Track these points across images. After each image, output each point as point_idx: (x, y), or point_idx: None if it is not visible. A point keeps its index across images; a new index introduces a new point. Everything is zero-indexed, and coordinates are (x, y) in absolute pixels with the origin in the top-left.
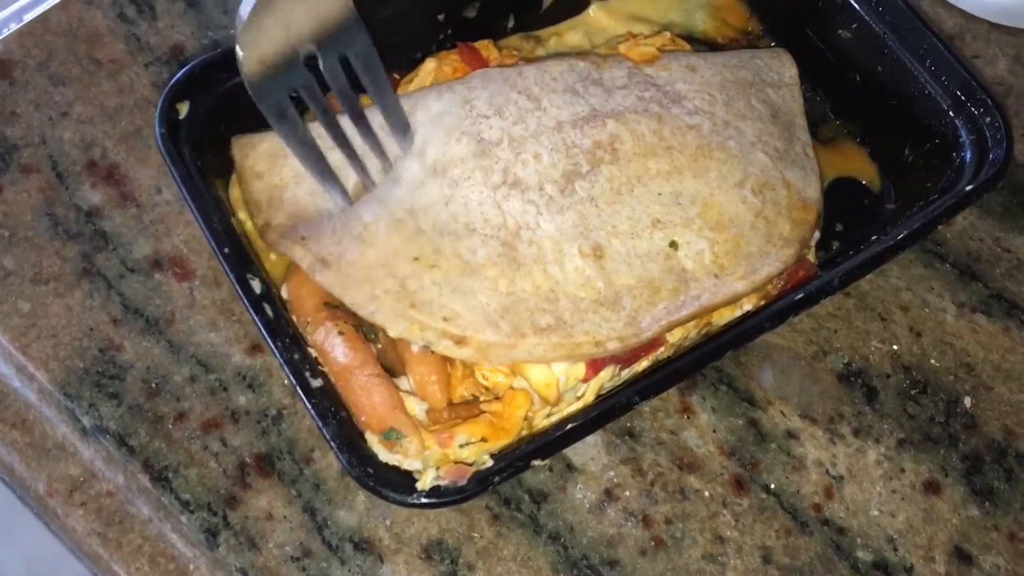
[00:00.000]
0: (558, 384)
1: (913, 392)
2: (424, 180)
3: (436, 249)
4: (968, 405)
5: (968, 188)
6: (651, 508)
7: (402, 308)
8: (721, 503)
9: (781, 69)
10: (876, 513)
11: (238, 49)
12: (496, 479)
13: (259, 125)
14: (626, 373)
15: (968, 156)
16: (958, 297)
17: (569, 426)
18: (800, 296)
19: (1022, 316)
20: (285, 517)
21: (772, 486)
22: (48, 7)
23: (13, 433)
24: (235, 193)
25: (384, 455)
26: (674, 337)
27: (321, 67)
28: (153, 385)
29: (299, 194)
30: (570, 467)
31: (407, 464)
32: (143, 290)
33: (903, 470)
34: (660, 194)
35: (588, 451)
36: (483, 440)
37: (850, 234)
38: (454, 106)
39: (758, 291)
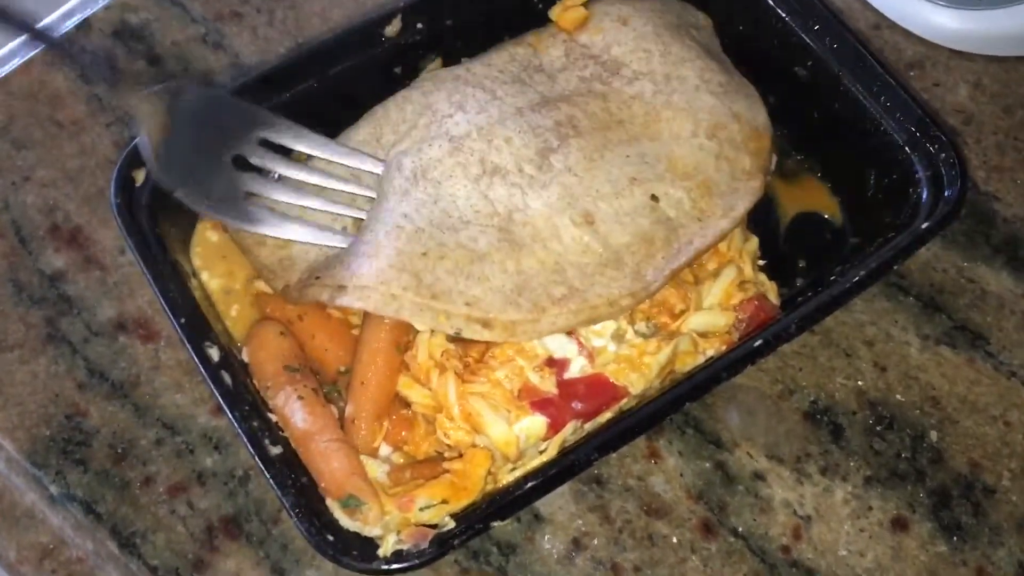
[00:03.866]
0: (518, 442)
1: (879, 428)
2: (408, 188)
3: (440, 243)
4: (934, 439)
5: (924, 226)
6: (620, 556)
7: (423, 301)
8: (690, 548)
9: (696, 13)
10: (845, 553)
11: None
12: (456, 542)
13: None
14: (590, 425)
15: (924, 192)
16: (922, 330)
17: (529, 484)
18: (759, 343)
19: (986, 347)
20: None
21: (740, 529)
22: (10, 70)
23: None
24: (198, 250)
25: (345, 521)
26: (638, 388)
27: (253, 161)
28: (119, 450)
29: (307, 249)
30: (538, 517)
31: (367, 530)
32: (108, 353)
33: (871, 508)
34: (628, 156)
35: (556, 500)
36: (444, 502)
37: (813, 270)
38: (416, 116)
39: (737, 224)
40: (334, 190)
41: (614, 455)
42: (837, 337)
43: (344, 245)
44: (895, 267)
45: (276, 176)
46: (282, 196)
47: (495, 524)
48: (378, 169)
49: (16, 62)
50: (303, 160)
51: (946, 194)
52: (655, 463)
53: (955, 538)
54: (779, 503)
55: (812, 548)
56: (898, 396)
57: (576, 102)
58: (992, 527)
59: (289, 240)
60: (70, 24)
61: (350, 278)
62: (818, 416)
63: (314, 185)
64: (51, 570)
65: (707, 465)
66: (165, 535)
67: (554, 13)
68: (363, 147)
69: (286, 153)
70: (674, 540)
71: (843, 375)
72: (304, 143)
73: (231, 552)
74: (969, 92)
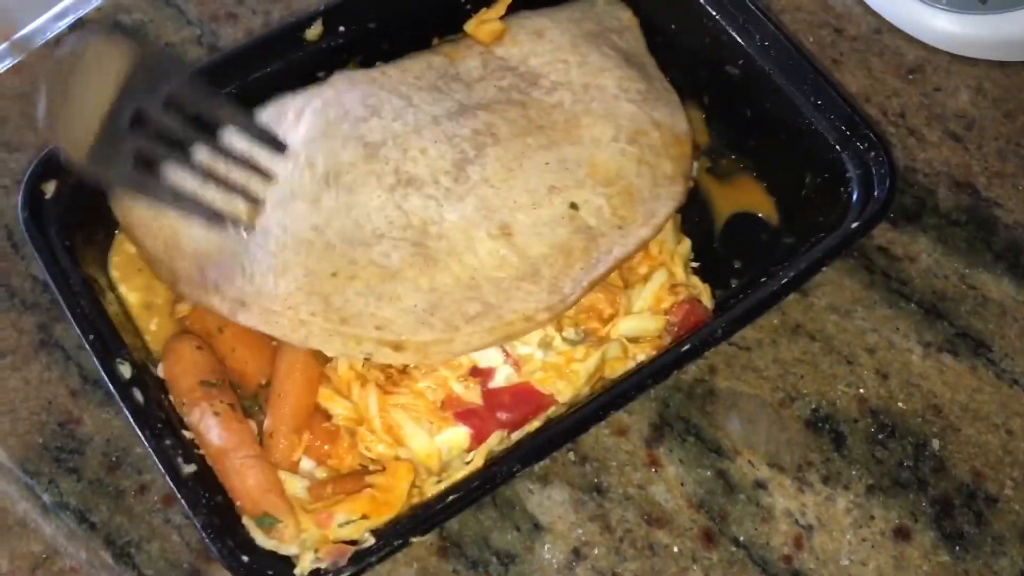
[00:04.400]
0: (440, 455)
1: (881, 436)
2: (319, 193)
3: (351, 260)
4: (936, 448)
5: (853, 226)
6: (620, 566)
7: (333, 326)
8: (691, 558)
9: (617, 14)
10: (847, 562)
11: (59, 150)
12: (373, 559)
13: None
14: (517, 434)
15: (855, 192)
16: (924, 337)
17: (450, 498)
18: (686, 348)
19: (988, 354)
20: None
21: (741, 538)
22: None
23: None
24: (116, 261)
25: (262, 540)
26: (565, 396)
27: (150, 117)
28: (113, 458)
29: (195, 235)
30: (537, 526)
31: (284, 549)
32: None
33: (873, 517)
34: (547, 163)
35: (555, 509)
36: (364, 517)
37: (748, 270)
38: (329, 111)
39: (659, 231)
40: (236, 166)
41: (614, 463)
42: (839, 344)
43: (239, 236)
44: (824, 268)
45: (179, 145)
46: (180, 169)
47: (414, 540)
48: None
49: (7, 63)
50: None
51: (875, 194)
52: (656, 472)
53: (957, 547)
54: (780, 512)
55: (814, 558)
56: (900, 404)
57: (495, 109)
58: (995, 536)
59: (177, 224)
60: (63, 24)
61: (255, 295)
62: (819, 424)
63: (217, 162)
64: None
65: (708, 474)
66: (160, 544)
67: (470, 26)
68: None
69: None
70: (675, 549)
71: (845, 383)
72: (215, 109)
73: None
74: (970, 97)
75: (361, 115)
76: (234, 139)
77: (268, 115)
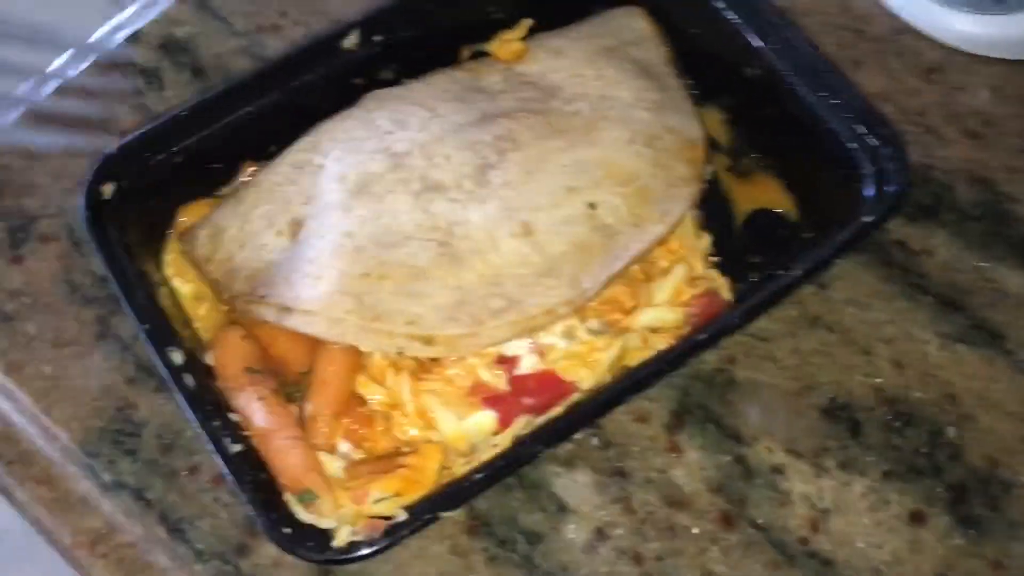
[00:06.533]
0: (468, 437)
1: (897, 424)
2: (351, 203)
3: (381, 261)
4: (952, 435)
5: (866, 220)
6: (642, 546)
7: (366, 323)
8: (710, 539)
9: (634, 25)
10: (862, 545)
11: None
12: (406, 532)
13: (184, 195)
14: (542, 419)
15: (870, 187)
16: (941, 328)
17: (476, 477)
18: (702, 337)
19: (1004, 345)
20: (292, 563)
21: (759, 521)
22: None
23: (40, 489)
24: (169, 258)
25: (303, 515)
26: (588, 384)
27: None
28: (167, 441)
29: (247, 257)
30: (562, 508)
31: (323, 523)
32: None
33: (888, 502)
34: (565, 165)
35: (580, 492)
36: (397, 495)
37: (768, 265)
38: (359, 130)
39: (673, 228)
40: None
41: (636, 448)
42: (856, 336)
43: (283, 246)
44: (838, 260)
45: None
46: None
47: (444, 515)
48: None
49: (71, 73)
50: None
51: (889, 189)
52: (676, 457)
53: (972, 532)
54: (798, 496)
55: (830, 540)
56: (916, 393)
57: (516, 117)
58: (1009, 521)
59: (231, 250)
60: (120, 37)
61: (295, 300)
62: (837, 412)
63: None
64: (103, 554)
65: (727, 459)
66: (210, 521)
67: (493, 46)
68: (302, 154)
69: None
70: (695, 531)
71: (861, 373)
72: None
73: None
74: (990, 96)
75: (388, 129)
76: None
77: (306, 142)
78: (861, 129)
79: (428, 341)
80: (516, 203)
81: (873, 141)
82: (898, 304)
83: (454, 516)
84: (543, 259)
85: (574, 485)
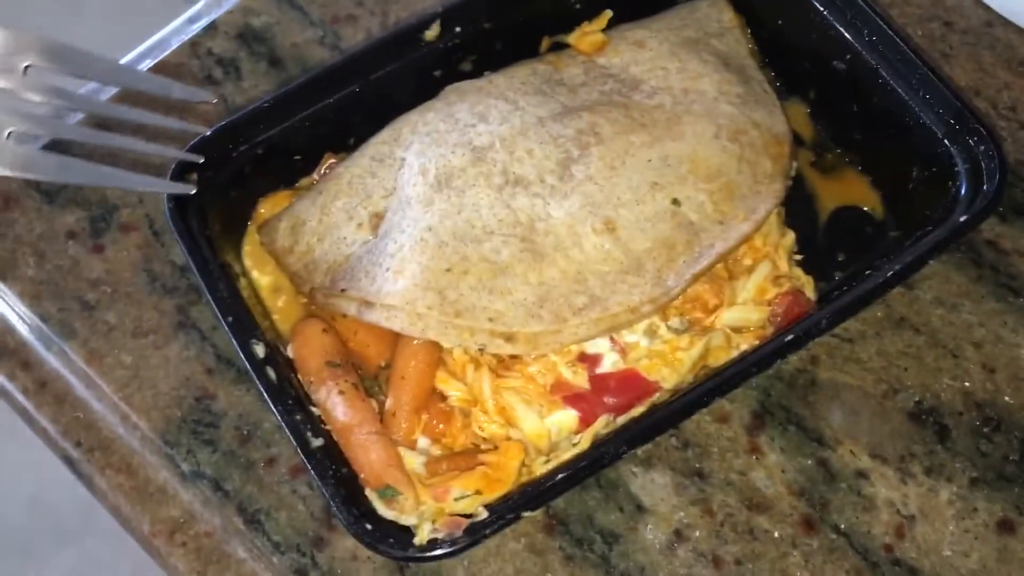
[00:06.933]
0: (550, 435)
1: (986, 430)
2: (432, 197)
3: (463, 257)
4: None
5: (962, 220)
6: (721, 549)
7: (448, 319)
8: (791, 543)
9: (720, 16)
10: (949, 553)
11: None
12: (487, 531)
13: (265, 186)
14: (623, 419)
15: (963, 186)
16: None
17: (559, 476)
18: (789, 338)
19: None
20: (369, 558)
21: (842, 526)
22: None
23: (119, 477)
24: (248, 249)
25: (383, 511)
26: (670, 383)
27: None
28: (245, 432)
29: (326, 250)
30: (640, 508)
31: (404, 519)
32: None
33: (976, 509)
34: (650, 160)
35: (658, 492)
36: (478, 492)
37: (852, 263)
38: (440, 123)
39: (759, 227)
40: (153, 126)
41: (715, 449)
42: (944, 338)
43: (364, 239)
44: (930, 261)
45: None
46: (83, 137)
47: (525, 514)
48: (209, 98)
49: (147, 63)
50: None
51: (984, 188)
52: (757, 459)
53: None
54: (882, 502)
55: (915, 547)
56: (1007, 398)
57: (597, 111)
58: None
59: (311, 243)
60: (196, 28)
61: (376, 294)
62: (923, 416)
63: (131, 122)
64: (181, 543)
65: (809, 462)
66: (287, 513)
67: (573, 38)
68: (383, 147)
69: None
70: (776, 535)
71: (950, 376)
72: (98, 73)
73: None
74: None
75: (470, 122)
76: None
77: (386, 134)
78: (954, 125)
79: (509, 338)
80: (599, 198)
81: (968, 138)
82: (988, 306)
83: (533, 515)
84: (626, 256)
85: (652, 485)
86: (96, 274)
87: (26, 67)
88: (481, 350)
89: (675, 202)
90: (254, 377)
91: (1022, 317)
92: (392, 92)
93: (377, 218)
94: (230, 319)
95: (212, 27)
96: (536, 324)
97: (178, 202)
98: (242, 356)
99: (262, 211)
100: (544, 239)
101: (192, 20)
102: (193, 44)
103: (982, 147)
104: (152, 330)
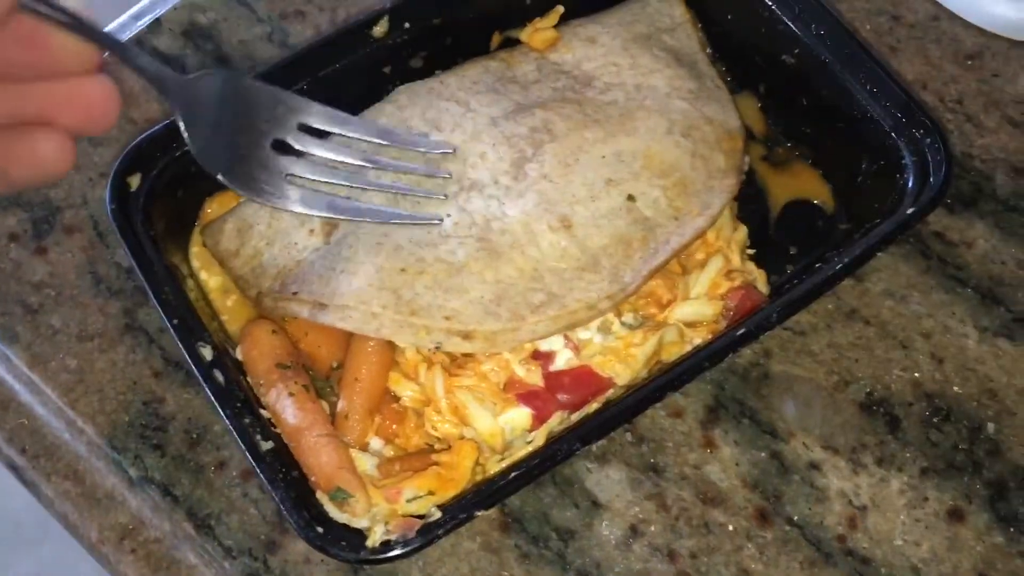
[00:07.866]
0: (503, 434)
1: (936, 420)
2: (387, 205)
3: (419, 258)
4: (991, 431)
5: (908, 212)
6: (676, 543)
7: (403, 318)
8: (745, 536)
9: (671, 11)
10: (900, 542)
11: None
12: (440, 531)
13: (212, 186)
14: (577, 416)
15: (911, 178)
16: (980, 322)
17: (512, 474)
18: (741, 332)
19: None
20: (322, 561)
21: (796, 518)
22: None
23: (66, 484)
24: (195, 251)
25: (335, 513)
26: (624, 379)
27: (295, 146)
28: (194, 435)
29: (275, 255)
30: (595, 504)
31: (356, 522)
32: None
33: (927, 498)
34: (604, 156)
35: (613, 488)
36: (431, 493)
37: (804, 256)
38: None
39: (714, 222)
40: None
41: (670, 444)
42: (894, 329)
43: (315, 244)
44: (879, 253)
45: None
46: (331, 178)
47: (479, 514)
48: (448, 149)
49: None
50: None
51: (931, 180)
52: (711, 452)
53: (1012, 529)
54: (835, 493)
55: (868, 537)
56: (955, 388)
57: (551, 107)
58: None
59: (259, 246)
60: (141, 24)
61: (331, 296)
62: (874, 407)
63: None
64: (131, 549)
65: (762, 455)
66: (239, 517)
67: (524, 35)
68: None
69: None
70: (730, 528)
71: (900, 367)
72: (346, 127)
73: None
74: None
75: (422, 130)
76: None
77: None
78: (901, 118)
79: (467, 336)
80: (554, 196)
81: (914, 131)
82: (936, 297)
83: (487, 513)
84: (583, 253)
85: (607, 481)
86: (39, 277)
87: (300, 124)
88: (437, 348)
89: (630, 198)
90: (201, 380)
91: (970, 307)
92: (341, 89)
93: (330, 225)
94: (176, 321)
95: (157, 23)
96: (494, 322)
97: (121, 202)
98: (189, 359)
99: (209, 211)
100: (500, 238)
101: (137, 16)
102: (138, 41)
103: (928, 140)
104: (98, 333)
